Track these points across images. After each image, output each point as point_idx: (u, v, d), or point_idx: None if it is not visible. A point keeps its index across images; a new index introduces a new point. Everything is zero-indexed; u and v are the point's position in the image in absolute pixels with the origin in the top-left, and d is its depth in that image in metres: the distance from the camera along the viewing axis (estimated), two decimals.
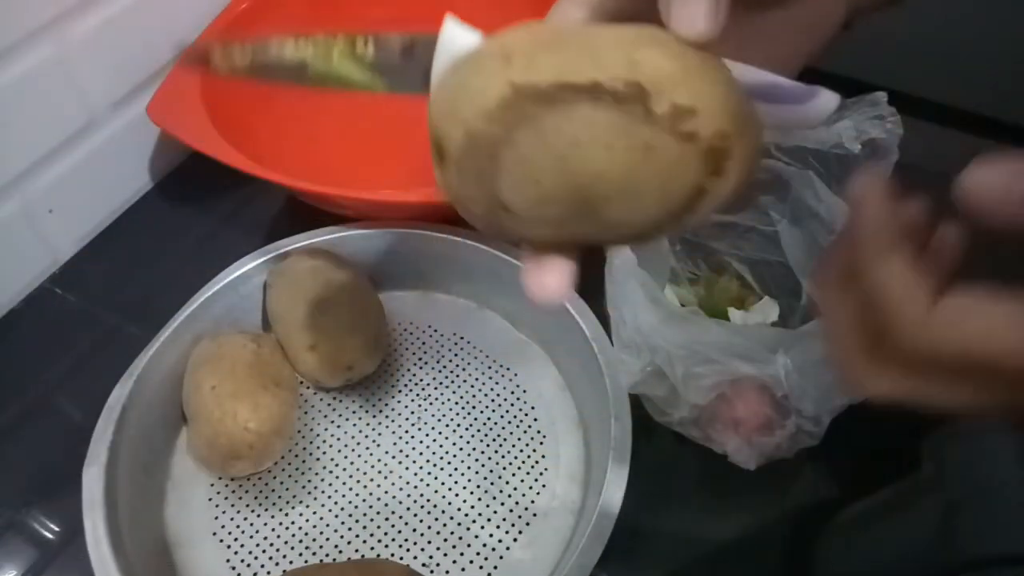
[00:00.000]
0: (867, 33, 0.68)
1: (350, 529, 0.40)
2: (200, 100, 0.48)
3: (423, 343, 0.47)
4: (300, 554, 0.39)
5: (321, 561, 0.39)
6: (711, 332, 0.32)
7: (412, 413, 0.44)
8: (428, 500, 0.41)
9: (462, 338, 0.47)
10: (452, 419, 0.44)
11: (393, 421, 0.44)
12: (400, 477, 0.42)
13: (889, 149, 0.39)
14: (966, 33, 0.62)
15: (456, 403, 0.45)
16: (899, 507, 0.26)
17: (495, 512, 0.41)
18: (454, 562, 0.39)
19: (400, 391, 0.45)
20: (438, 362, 0.46)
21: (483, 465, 0.42)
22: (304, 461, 0.43)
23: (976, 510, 0.23)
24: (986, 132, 0.56)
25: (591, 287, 0.43)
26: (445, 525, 0.40)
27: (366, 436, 0.44)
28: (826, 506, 0.38)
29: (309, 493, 0.41)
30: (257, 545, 0.40)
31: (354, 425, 0.44)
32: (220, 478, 0.42)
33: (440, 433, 0.44)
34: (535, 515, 0.40)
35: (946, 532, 0.23)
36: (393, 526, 0.40)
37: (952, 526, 0.23)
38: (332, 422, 0.44)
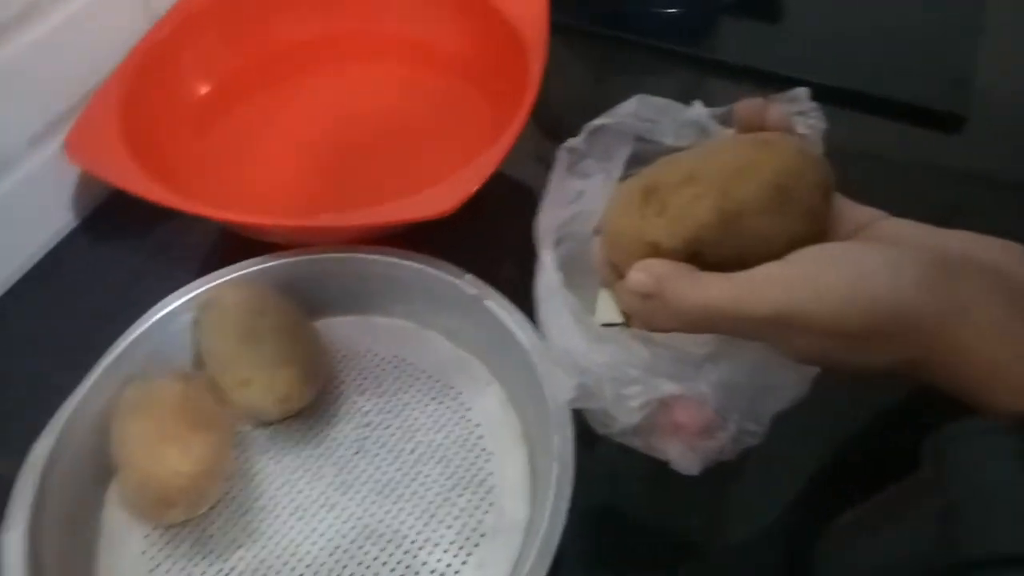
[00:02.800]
0: (789, 32, 0.69)
1: (293, 569, 0.39)
2: (119, 134, 0.47)
3: (363, 368, 0.46)
4: None
5: None
6: (636, 353, 0.32)
7: (354, 442, 0.43)
8: (374, 531, 0.40)
9: (403, 360, 0.46)
10: (396, 444, 0.43)
11: (335, 452, 0.43)
12: (344, 509, 0.41)
13: (814, 143, 0.39)
14: (878, 27, 0.64)
15: (399, 427, 0.44)
16: (899, 508, 0.26)
17: (442, 536, 0.40)
18: None
19: (341, 420, 0.44)
20: (379, 387, 0.45)
21: (429, 489, 0.41)
22: (243, 502, 0.41)
23: (976, 510, 0.23)
24: (900, 116, 0.58)
25: (519, 303, 0.43)
26: (392, 555, 0.39)
27: (307, 470, 0.42)
28: (824, 508, 0.37)
29: (250, 535, 0.40)
30: None
31: (295, 459, 0.43)
32: (155, 528, 0.40)
33: (384, 460, 0.42)
34: (484, 535, 0.40)
35: (946, 533, 0.23)
36: (338, 561, 0.39)
37: (952, 527, 0.23)
38: (272, 458, 0.43)
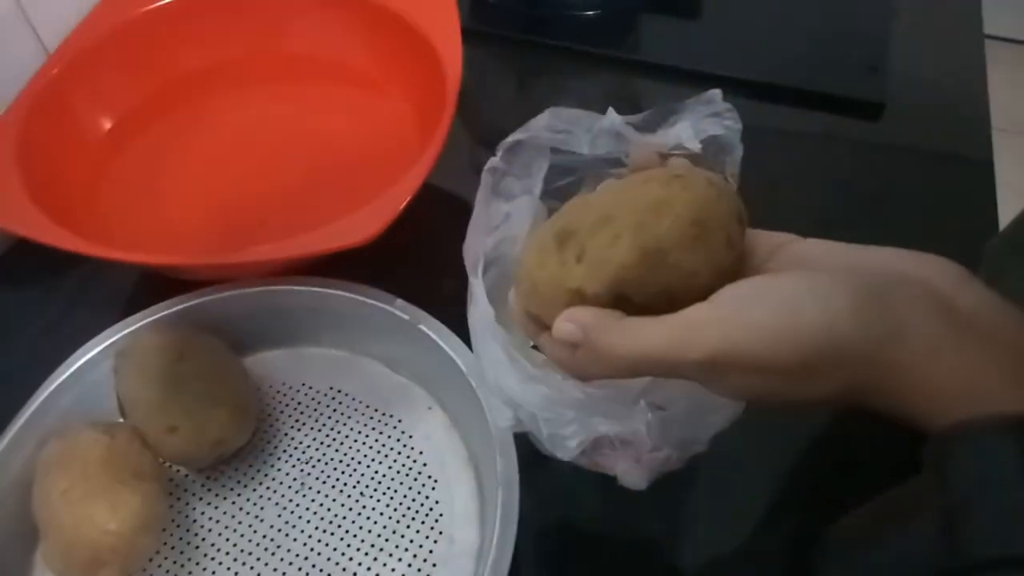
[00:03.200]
0: (709, 28, 0.70)
1: None
2: (17, 177, 0.45)
3: (298, 403, 0.45)
4: None
5: None
6: (567, 392, 0.31)
7: (295, 480, 0.42)
8: (321, 570, 0.39)
9: (340, 391, 0.45)
10: (338, 479, 0.42)
11: (275, 492, 0.42)
12: (289, 551, 0.40)
13: (732, 144, 0.38)
14: (796, 19, 0.66)
15: (340, 461, 0.42)
16: (900, 510, 0.26)
17: (392, 570, 0.39)
18: None
19: (279, 458, 0.43)
20: (316, 420, 0.44)
21: (375, 523, 0.40)
22: (182, 552, 0.40)
23: (977, 511, 0.23)
24: (822, 106, 0.59)
25: (463, 320, 0.41)
26: None
27: (247, 513, 0.41)
28: (780, 516, 0.37)
29: None
30: None
31: (233, 503, 0.41)
32: None
33: (327, 496, 0.41)
34: (435, 565, 0.39)
35: (947, 534, 0.23)
36: None
37: (953, 528, 0.23)
38: (209, 504, 0.41)
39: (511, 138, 0.37)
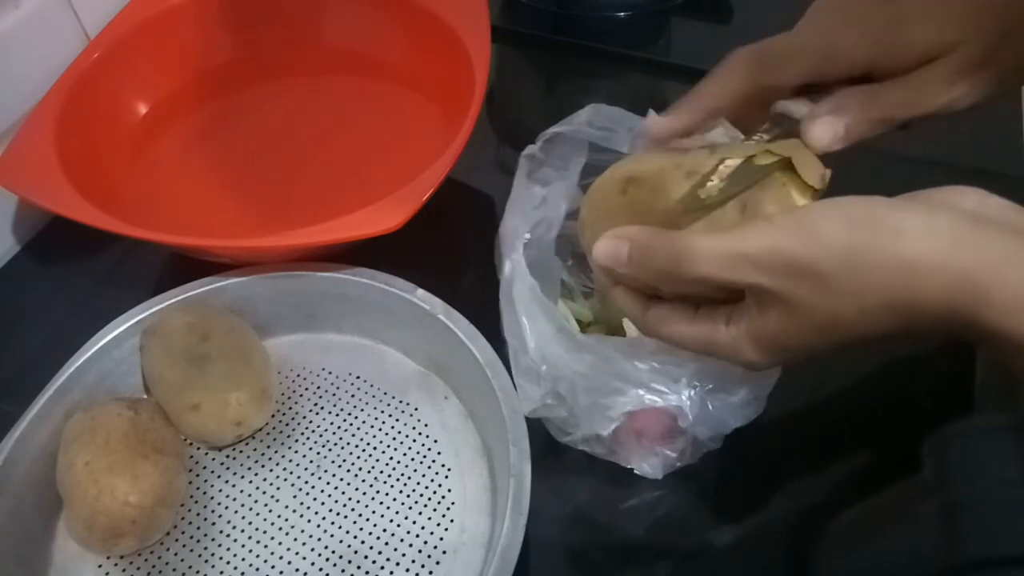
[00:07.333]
0: (740, 32, 0.70)
1: None
2: (55, 158, 0.46)
3: (317, 387, 0.45)
4: None
5: None
6: (617, 362, 0.32)
7: (311, 463, 0.43)
8: (333, 552, 0.39)
9: (358, 377, 0.46)
10: (353, 464, 0.42)
11: (292, 473, 0.42)
12: (303, 531, 0.40)
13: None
14: None
15: (356, 446, 0.43)
16: (899, 508, 0.26)
17: (403, 555, 0.39)
18: None
19: (296, 441, 0.43)
20: (334, 406, 0.45)
21: (388, 508, 0.41)
22: (199, 528, 0.40)
23: (976, 510, 0.23)
24: None
25: (482, 312, 0.42)
26: None
27: (263, 492, 0.42)
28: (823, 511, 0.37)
29: (207, 561, 0.39)
30: None
31: (250, 483, 0.42)
32: (108, 558, 0.39)
33: (342, 480, 0.42)
34: (444, 552, 0.39)
35: (947, 533, 0.23)
36: None
37: (953, 527, 0.23)
38: (226, 482, 0.42)
39: (552, 130, 0.37)
